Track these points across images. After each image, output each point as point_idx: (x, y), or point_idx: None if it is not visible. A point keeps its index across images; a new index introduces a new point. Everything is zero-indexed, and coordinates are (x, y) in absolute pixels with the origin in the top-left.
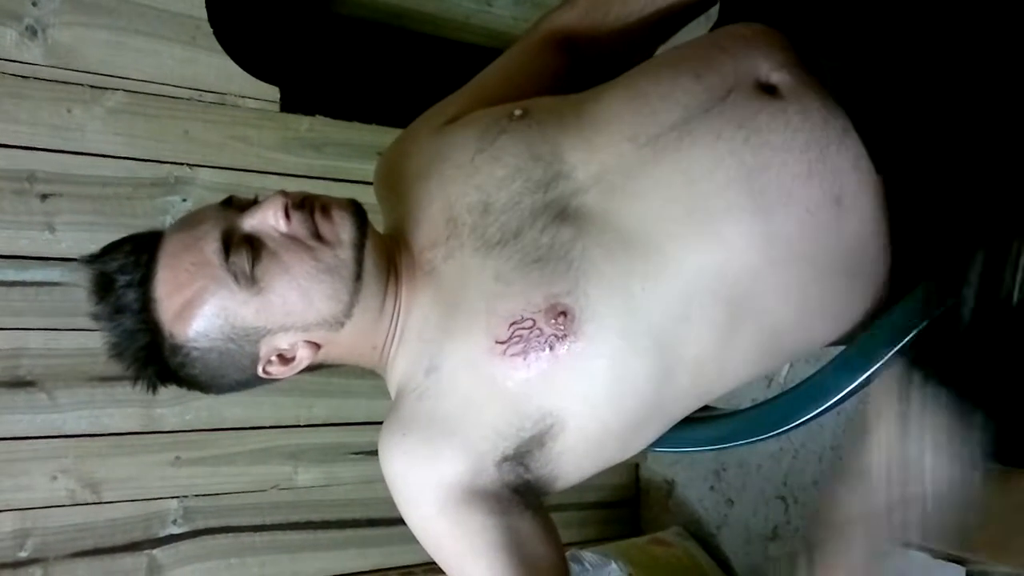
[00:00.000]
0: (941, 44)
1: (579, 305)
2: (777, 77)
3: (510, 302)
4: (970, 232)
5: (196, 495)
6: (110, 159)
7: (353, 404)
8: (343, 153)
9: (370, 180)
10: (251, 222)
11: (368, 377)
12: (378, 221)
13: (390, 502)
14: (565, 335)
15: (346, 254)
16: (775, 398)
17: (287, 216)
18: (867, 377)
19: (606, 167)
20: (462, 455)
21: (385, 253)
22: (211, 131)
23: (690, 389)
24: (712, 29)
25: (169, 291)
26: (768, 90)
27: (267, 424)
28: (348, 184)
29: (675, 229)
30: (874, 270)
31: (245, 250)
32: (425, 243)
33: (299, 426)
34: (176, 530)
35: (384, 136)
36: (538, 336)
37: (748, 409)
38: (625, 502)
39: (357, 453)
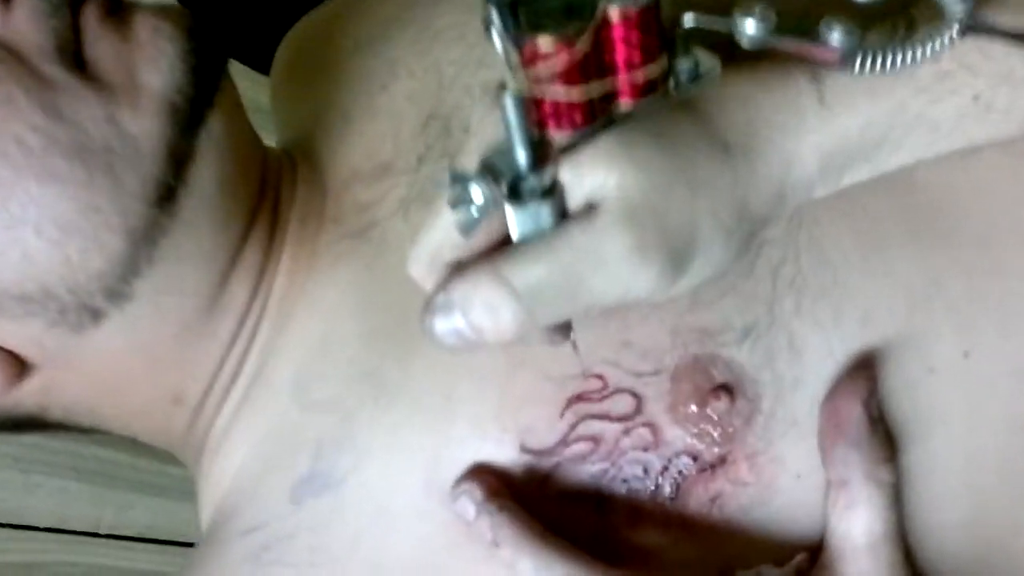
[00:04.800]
0: None
1: (773, 372)
2: None
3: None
4: None
5: None
6: None
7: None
8: None
9: None
10: None
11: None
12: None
13: None
14: (723, 459)
15: (146, 123)
16: None
17: None
18: None
19: None
20: None
21: (258, 169)
22: None
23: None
24: None
25: None
26: None
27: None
28: None
29: None
30: None
31: None
32: (362, 166)
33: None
34: None
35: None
36: (643, 449)
37: None
38: None
39: None
